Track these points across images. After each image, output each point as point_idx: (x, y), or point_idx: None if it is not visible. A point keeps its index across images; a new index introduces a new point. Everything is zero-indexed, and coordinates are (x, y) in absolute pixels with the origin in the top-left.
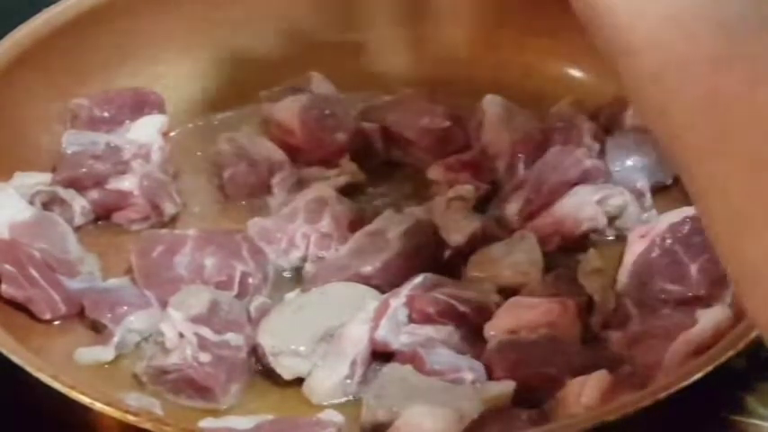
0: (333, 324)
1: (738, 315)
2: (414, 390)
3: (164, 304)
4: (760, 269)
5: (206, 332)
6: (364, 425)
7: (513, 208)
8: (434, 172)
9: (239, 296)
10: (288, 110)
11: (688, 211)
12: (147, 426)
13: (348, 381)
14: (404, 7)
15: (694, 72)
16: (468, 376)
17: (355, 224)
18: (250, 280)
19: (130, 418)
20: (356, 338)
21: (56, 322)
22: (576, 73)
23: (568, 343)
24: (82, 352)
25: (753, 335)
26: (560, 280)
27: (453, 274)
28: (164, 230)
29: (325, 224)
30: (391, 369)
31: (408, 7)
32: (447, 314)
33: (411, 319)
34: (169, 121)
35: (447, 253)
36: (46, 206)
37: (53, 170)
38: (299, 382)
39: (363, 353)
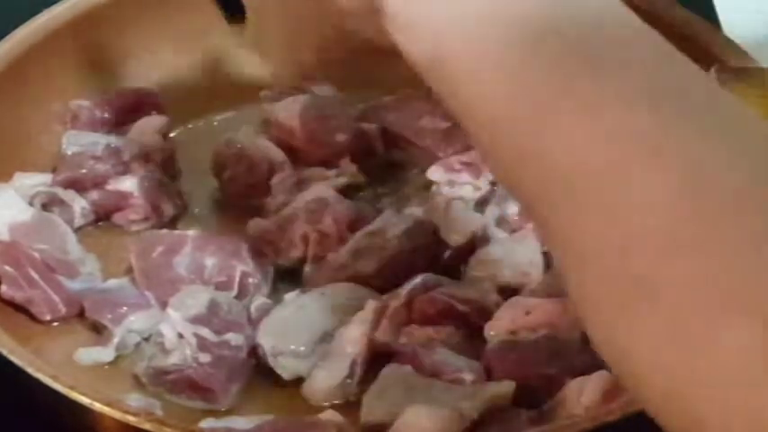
0: (333, 324)
1: None
2: (413, 390)
3: (164, 305)
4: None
5: (206, 332)
6: (364, 425)
7: (513, 208)
8: (434, 172)
9: (239, 296)
10: (288, 110)
11: None
12: (147, 426)
13: (348, 381)
14: None
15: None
16: (468, 376)
17: (355, 224)
18: (250, 280)
19: (130, 419)
20: (356, 339)
21: (56, 323)
22: None
23: (568, 343)
24: (82, 353)
25: None
26: (560, 280)
27: (453, 274)
28: (164, 231)
29: (325, 225)
30: (391, 369)
31: None
32: (447, 314)
33: (411, 320)
34: (169, 122)
35: (447, 253)
36: (46, 207)
37: (53, 171)
38: (299, 382)
39: (363, 353)
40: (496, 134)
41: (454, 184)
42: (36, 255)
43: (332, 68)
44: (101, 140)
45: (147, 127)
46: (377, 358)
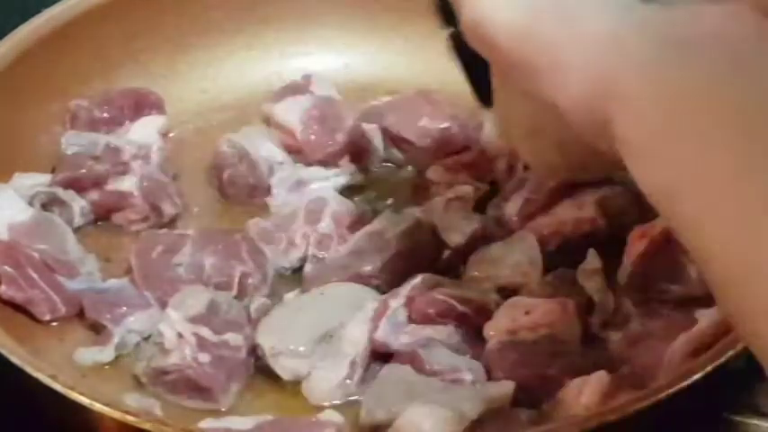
0: (332, 324)
1: None
2: (413, 390)
3: (163, 305)
4: None
5: (205, 332)
6: (363, 425)
7: (512, 208)
8: (434, 172)
9: (238, 296)
10: (288, 110)
11: None
12: (146, 426)
13: (347, 381)
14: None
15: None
16: (468, 377)
17: (355, 224)
18: (249, 280)
19: (130, 419)
20: (355, 339)
21: (55, 323)
22: None
23: (568, 343)
24: (81, 353)
25: None
26: (560, 280)
27: (453, 274)
28: (163, 231)
29: (325, 224)
30: (391, 369)
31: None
32: (446, 314)
33: (410, 320)
34: (169, 122)
35: (446, 253)
36: (45, 207)
37: (52, 171)
38: (298, 382)
39: (363, 353)
40: (738, 280)
41: (454, 184)
42: (35, 255)
43: (574, 169)
44: (100, 140)
45: (147, 127)
46: (377, 358)
